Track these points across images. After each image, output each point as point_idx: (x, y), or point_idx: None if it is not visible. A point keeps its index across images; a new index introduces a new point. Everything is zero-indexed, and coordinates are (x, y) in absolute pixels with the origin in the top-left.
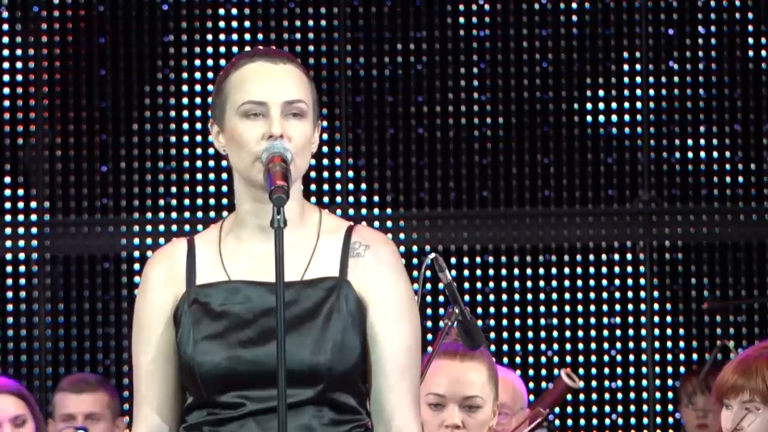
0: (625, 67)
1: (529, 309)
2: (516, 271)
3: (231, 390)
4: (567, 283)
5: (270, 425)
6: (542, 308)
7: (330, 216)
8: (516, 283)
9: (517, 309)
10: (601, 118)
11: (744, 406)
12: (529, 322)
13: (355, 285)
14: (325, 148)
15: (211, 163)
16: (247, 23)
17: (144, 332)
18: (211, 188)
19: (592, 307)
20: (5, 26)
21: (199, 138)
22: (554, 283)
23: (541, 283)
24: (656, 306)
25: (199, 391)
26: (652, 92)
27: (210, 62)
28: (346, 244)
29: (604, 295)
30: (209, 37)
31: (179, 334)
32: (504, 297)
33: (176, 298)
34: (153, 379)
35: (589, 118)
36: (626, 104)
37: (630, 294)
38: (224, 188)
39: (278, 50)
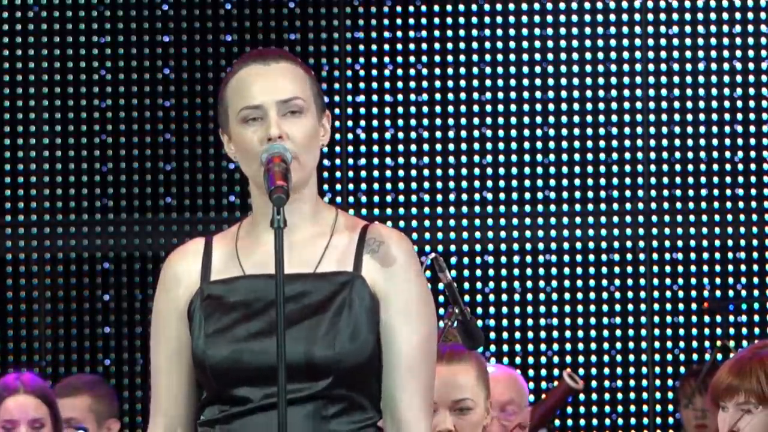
0: (625, 67)
1: (529, 309)
2: (516, 271)
3: (240, 383)
4: (567, 283)
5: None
6: (542, 308)
7: (346, 215)
8: (516, 283)
9: (517, 309)
10: (601, 117)
11: (740, 408)
12: (529, 322)
13: (369, 281)
14: (325, 148)
15: (211, 163)
16: (247, 23)
17: (160, 329)
18: (211, 188)
19: (592, 307)
20: (5, 26)
21: (199, 138)
22: (554, 283)
23: (541, 283)
24: (656, 306)
25: (210, 386)
26: (652, 92)
27: (210, 62)
28: (361, 241)
29: (604, 295)
30: (209, 37)
31: (192, 329)
32: (504, 297)
33: (190, 294)
34: (169, 376)
35: (589, 118)
36: (626, 104)
37: (630, 294)
38: (224, 188)
39: (272, 50)
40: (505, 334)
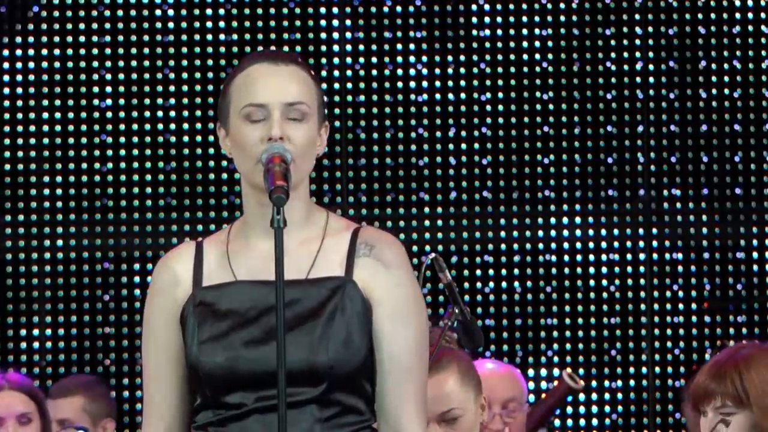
0: (625, 67)
1: (529, 309)
2: (516, 271)
3: (234, 389)
4: (567, 283)
5: (273, 424)
6: (542, 308)
7: (337, 218)
8: (516, 283)
9: (517, 309)
10: (601, 117)
11: (718, 412)
12: (529, 322)
13: (360, 285)
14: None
15: (211, 163)
16: (247, 23)
17: (152, 335)
18: (211, 188)
19: (592, 307)
20: (5, 26)
21: (199, 138)
22: (554, 283)
23: (541, 283)
24: (656, 306)
25: (204, 392)
26: (652, 92)
27: (210, 62)
28: (353, 245)
29: (604, 295)
30: (209, 37)
31: (185, 335)
32: (504, 297)
33: (183, 299)
34: (161, 381)
35: (589, 118)
36: (626, 104)
37: (630, 294)
38: (224, 188)
39: (283, 52)
40: (505, 334)
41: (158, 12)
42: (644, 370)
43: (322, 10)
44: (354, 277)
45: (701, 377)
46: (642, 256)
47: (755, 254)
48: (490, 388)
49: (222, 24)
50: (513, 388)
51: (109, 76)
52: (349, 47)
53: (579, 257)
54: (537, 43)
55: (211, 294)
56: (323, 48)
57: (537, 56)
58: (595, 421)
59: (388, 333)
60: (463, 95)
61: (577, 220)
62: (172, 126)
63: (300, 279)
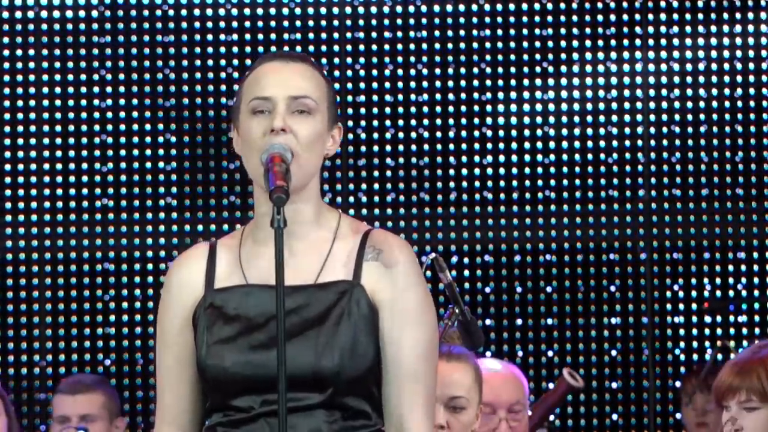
0: (626, 67)
1: (529, 309)
2: (516, 271)
3: (242, 393)
4: (567, 283)
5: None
6: (542, 308)
7: (349, 219)
8: (516, 283)
9: (517, 309)
10: (602, 117)
11: (742, 406)
12: (529, 322)
13: (368, 289)
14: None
15: (212, 163)
16: (247, 23)
17: (164, 336)
18: (211, 188)
19: (592, 307)
20: (5, 26)
21: (199, 138)
22: (554, 283)
23: (541, 283)
24: (656, 306)
25: (213, 394)
26: (652, 92)
27: (210, 62)
28: (362, 249)
29: (604, 295)
30: (209, 37)
31: (196, 338)
32: (504, 297)
33: (195, 302)
34: (173, 382)
35: (589, 118)
36: (626, 104)
37: (630, 294)
38: (224, 188)
39: (296, 53)
40: (505, 334)
41: (158, 12)
42: (644, 370)
43: (322, 10)
44: (361, 281)
45: (724, 374)
46: (642, 256)
47: (755, 254)
48: (495, 392)
49: (222, 24)
50: (517, 390)
51: (109, 77)
52: (349, 47)
53: (579, 257)
54: (537, 43)
55: (221, 297)
56: (323, 48)
57: (537, 56)
58: (595, 421)
59: (395, 337)
60: (463, 95)
61: (577, 220)
62: (173, 126)
63: (307, 284)
